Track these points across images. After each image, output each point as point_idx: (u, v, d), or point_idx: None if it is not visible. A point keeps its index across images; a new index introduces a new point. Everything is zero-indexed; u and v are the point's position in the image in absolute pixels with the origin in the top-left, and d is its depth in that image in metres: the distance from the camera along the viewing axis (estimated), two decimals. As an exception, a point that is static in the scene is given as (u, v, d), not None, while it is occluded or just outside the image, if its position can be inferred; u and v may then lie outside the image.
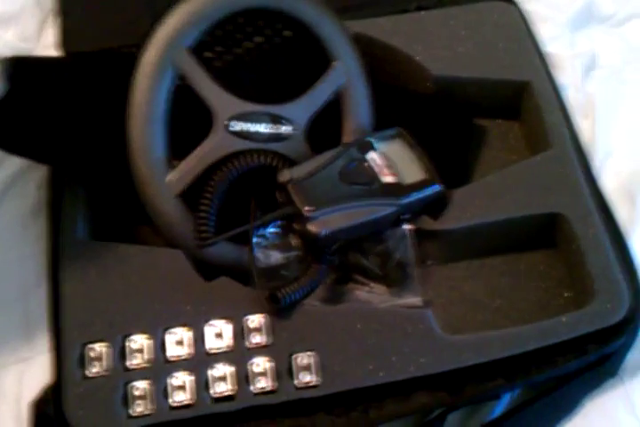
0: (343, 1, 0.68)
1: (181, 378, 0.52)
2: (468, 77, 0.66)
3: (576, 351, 0.55)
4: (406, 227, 0.59)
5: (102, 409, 0.51)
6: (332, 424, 0.52)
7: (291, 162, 0.57)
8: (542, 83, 0.66)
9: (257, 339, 0.53)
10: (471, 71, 0.66)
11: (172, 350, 0.53)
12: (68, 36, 0.69)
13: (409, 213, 0.58)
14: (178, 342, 0.53)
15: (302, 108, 0.58)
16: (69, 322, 0.53)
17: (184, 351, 0.53)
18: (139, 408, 0.51)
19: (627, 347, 0.58)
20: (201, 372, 0.52)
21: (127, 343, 0.53)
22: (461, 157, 0.66)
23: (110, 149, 0.57)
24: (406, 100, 0.67)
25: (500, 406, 0.57)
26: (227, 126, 0.56)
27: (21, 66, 0.57)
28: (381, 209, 0.56)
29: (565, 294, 0.61)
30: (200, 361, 0.53)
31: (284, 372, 0.52)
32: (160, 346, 0.53)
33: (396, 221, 0.58)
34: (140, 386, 0.52)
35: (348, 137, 0.60)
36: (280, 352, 0.53)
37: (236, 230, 0.54)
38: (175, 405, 0.52)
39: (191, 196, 0.56)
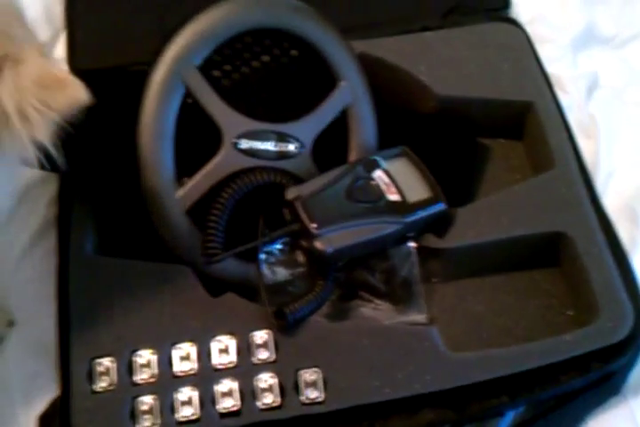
0: (349, 21, 0.69)
1: (188, 393, 0.52)
2: (471, 97, 0.66)
3: (579, 369, 0.55)
4: (411, 245, 0.59)
5: (109, 424, 0.52)
6: (337, 440, 0.52)
7: (297, 179, 0.58)
8: (546, 103, 0.66)
9: (263, 355, 0.53)
10: (475, 91, 0.67)
11: (179, 366, 0.53)
12: (76, 54, 0.70)
13: (414, 231, 0.59)
14: (184, 357, 0.53)
15: (309, 127, 0.59)
16: (77, 337, 0.54)
17: (190, 367, 0.53)
18: (146, 423, 0.52)
19: (630, 365, 0.58)
20: (207, 387, 0.53)
21: (134, 358, 0.53)
22: (465, 176, 0.67)
23: (120, 166, 0.58)
24: (410, 120, 0.67)
25: (503, 424, 0.57)
26: (235, 144, 0.57)
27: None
28: (387, 227, 0.57)
29: (569, 313, 0.61)
30: (206, 376, 0.53)
31: (289, 388, 0.53)
32: (167, 361, 0.53)
33: (401, 238, 0.59)
34: (147, 401, 0.52)
35: (353, 155, 0.61)
36: (286, 368, 0.53)
37: (244, 247, 0.55)
38: (181, 420, 0.52)
39: (199, 212, 0.56)
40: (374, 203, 0.57)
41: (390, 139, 0.63)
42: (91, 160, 0.61)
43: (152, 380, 0.53)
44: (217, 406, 0.52)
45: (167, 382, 0.53)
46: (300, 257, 0.58)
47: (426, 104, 0.67)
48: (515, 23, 0.73)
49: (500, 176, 0.68)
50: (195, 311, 0.55)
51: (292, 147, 0.59)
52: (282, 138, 0.58)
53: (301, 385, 0.52)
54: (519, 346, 0.55)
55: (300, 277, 0.59)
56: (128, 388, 0.53)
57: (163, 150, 0.56)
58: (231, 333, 0.54)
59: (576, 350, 0.55)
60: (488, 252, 0.61)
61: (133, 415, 0.52)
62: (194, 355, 0.53)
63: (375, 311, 0.59)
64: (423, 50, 0.68)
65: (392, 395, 0.52)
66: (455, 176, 0.66)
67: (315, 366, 0.53)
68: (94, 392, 0.53)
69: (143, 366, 0.53)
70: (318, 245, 0.54)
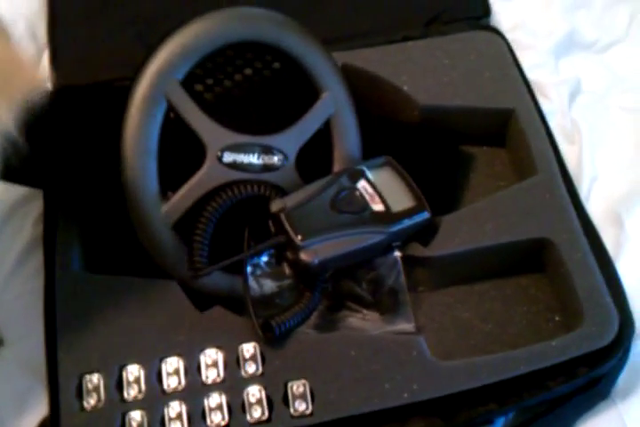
0: (331, 32, 0.70)
1: (177, 408, 0.52)
2: (454, 106, 0.67)
3: (567, 375, 0.56)
4: (397, 254, 0.60)
5: (100, 440, 0.52)
6: (327, 452, 0.52)
7: (282, 191, 0.58)
8: (527, 110, 0.67)
9: (252, 368, 0.54)
10: (457, 100, 0.67)
11: (168, 381, 0.53)
12: (59, 70, 0.70)
13: (399, 241, 0.59)
14: (173, 372, 0.53)
15: (292, 139, 0.60)
16: (66, 353, 0.54)
17: (180, 381, 0.53)
18: (136, 439, 0.52)
19: (618, 369, 0.58)
20: (197, 402, 0.53)
21: (124, 374, 0.53)
22: (449, 184, 0.68)
23: (104, 182, 0.58)
24: (394, 129, 0.68)
25: (493, 431, 0.58)
26: (219, 158, 0.57)
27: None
28: (372, 237, 0.57)
29: (555, 318, 0.61)
30: (196, 391, 0.53)
31: (278, 400, 0.53)
32: (155, 376, 0.54)
33: (386, 248, 0.59)
34: (137, 417, 0.52)
35: (337, 166, 0.61)
36: (275, 381, 0.53)
37: (230, 260, 0.55)
38: (172, 435, 0.52)
39: (185, 226, 0.57)
40: (359, 213, 0.57)
41: (374, 149, 0.63)
42: (75, 176, 0.61)
43: (141, 395, 0.53)
44: (207, 421, 0.52)
45: (156, 397, 0.53)
46: (287, 269, 0.58)
47: (408, 113, 0.68)
48: (495, 31, 0.73)
49: (484, 183, 0.68)
50: (182, 326, 0.55)
51: (275, 159, 0.59)
52: (266, 150, 0.59)
53: (290, 398, 0.53)
54: (506, 353, 0.55)
55: (287, 288, 0.59)
56: (117, 404, 0.53)
57: (146, 165, 0.56)
58: (219, 346, 0.54)
59: (562, 355, 0.55)
60: (473, 259, 0.61)
61: (123, 432, 0.52)
62: (182, 369, 0.53)
63: (363, 321, 0.59)
64: (405, 60, 0.69)
65: (380, 405, 0.53)
66: (439, 184, 0.67)
67: (303, 378, 0.53)
68: (83, 409, 0.53)
69: (132, 381, 0.53)
70: (303, 256, 0.54)
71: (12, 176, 0.54)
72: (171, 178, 0.57)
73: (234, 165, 0.58)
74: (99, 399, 0.53)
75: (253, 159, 0.58)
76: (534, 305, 0.62)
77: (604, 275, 0.60)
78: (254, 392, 0.53)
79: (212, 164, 0.57)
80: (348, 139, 0.62)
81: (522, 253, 0.62)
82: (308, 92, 0.61)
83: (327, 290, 0.59)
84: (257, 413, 0.52)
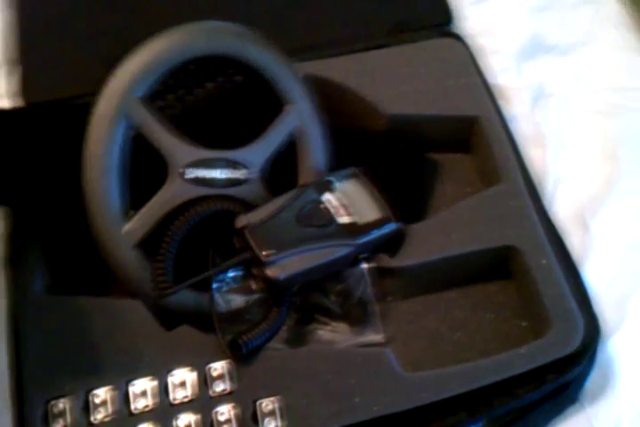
0: (294, 43, 0.69)
1: (147, 430, 0.52)
2: (418, 115, 0.67)
3: (535, 382, 0.56)
4: (365, 266, 0.60)
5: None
6: (298, 468, 0.52)
7: (249, 206, 0.58)
8: (491, 117, 0.67)
9: (220, 387, 0.53)
10: (421, 108, 0.67)
11: (137, 402, 0.53)
12: (29, 87, 0.69)
13: (366, 252, 0.59)
14: (141, 393, 0.53)
15: (257, 153, 0.59)
16: (31, 379, 0.53)
17: (148, 403, 0.53)
18: (104, 464, 0.51)
19: (585, 374, 0.59)
20: (166, 422, 0.52)
21: (91, 398, 0.53)
22: (416, 192, 0.68)
23: (67, 201, 0.58)
24: (359, 139, 0.68)
25: (464, 440, 0.58)
26: (182, 174, 0.57)
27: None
28: (339, 250, 0.57)
29: (523, 324, 0.62)
30: (165, 412, 0.53)
31: (248, 419, 0.53)
32: (124, 398, 0.53)
33: (354, 260, 0.59)
34: (106, 440, 0.52)
35: (303, 178, 0.61)
36: (244, 399, 0.53)
37: (195, 279, 0.54)
38: (141, 458, 0.52)
39: (149, 245, 0.56)
40: (325, 227, 0.57)
41: (340, 159, 0.63)
42: (39, 195, 0.60)
43: (108, 418, 0.52)
44: (177, 441, 0.52)
45: (125, 419, 0.52)
46: (254, 284, 0.58)
47: (374, 123, 0.68)
48: (458, 38, 0.73)
49: (451, 190, 0.69)
50: (150, 346, 0.55)
51: (241, 173, 0.59)
52: (230, 165, 0.58)
53: (260, 416, 0.52)
54: (475, 362, 0.56)
55: (255, 303, 0.59)
56: (86, 428, 0.52)
57: (108, 185, 0.56)
58: (187, 366, 0.54)
59: (531, 363, 0.56)
60: (441, 268, 0.61)
61: (91, 457, 0.52)
62: (150, 391, 0.53)
63: (332, 334, 0.59)
64: (369, 69, 0.69)
65: (351, 419, 0.53)
66: (406, 193, 0.67)
67: (272, 396, 0.53)
68: (50, 436, 0.52)
69: (100, 405, 0.52)
70: (269, 272, 0.54)
71: None
72: (134, 196, 0.57)
73: (198, 181, 0.57)
74: (65, 425, 0.52)
75: (218, 174, 0.58)
76: (502, 312, 0.63)
77: (570, 281, 0.60)
78: (223, 411, 0.53)
79: (176, 180, 0.57)
80: (314, 151, 0.62)
81: (488, 260, 0.62)
82: (273, 105, 0.61)
83: (295, 303, 0.59)
84: (227, 431, 0.52)
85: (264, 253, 0.54)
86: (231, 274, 0.58)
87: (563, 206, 0.69)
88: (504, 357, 0.56)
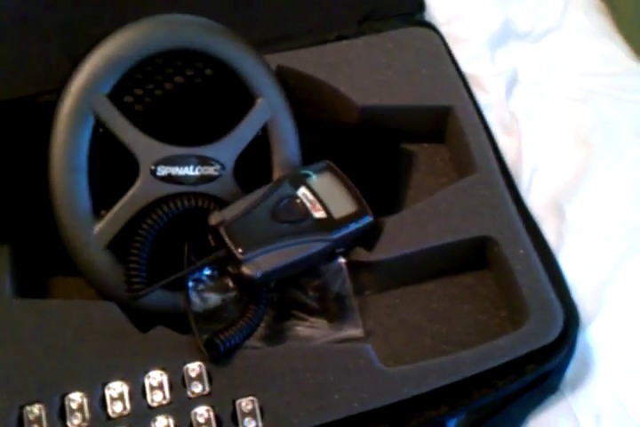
0: (262, 34, 0.68)
1: (123, 434, 0.51)
2: (391, 105, 0.66)
3: (515, 373, 0.56)
4: (341, 260, 0.59)
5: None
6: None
7: (221, 202, 0.57)
8: (465, 107, 0.67)
9: (198, 388, 0.52)
10: (395, 99, 0.67)
11: (114, 406, 0.52)
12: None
13: (343, 247, 0.59)
14: (117, 397, 0.52)
15: (229, 148, 0.58)
16: (3, 385, 0.52)
17: (125, 406, 0.52)
18: (83, 469, 0.50)
19: (565, 363, 0.59)
20: (143, 426, 0.51)
21: (66, 402, 0.51)
22: (391, 184, 0.67)
23: (33, 202, 0.56)
24: (333, 131, 0.67)
25: (446, 433, 0.58)
26: (152, 172, 0.56)
27: None
28: (314, 245, 0.56)
29: (502, 314, 0.62)
30: (140, 415, 0.52)
31: (227, 419, 0.52)
32: (100, 402, 0.52)
33: (330, 255, 0.59)
34: (83, 446, 0.51)
35: (277, 173, 0.60)
36: (222, 399, 0.52)
37: (169, 279, 0.53)
38: (120, 462, 0.51)
39: (120, 245, 0.55)
40: (300, 222, 0.56)
41: (313, 152, 0.62)
42: (4, 196, 0.58)
43: (85, 424, 0.51)
44: (155, 445, 0.51)
45: (102, 424, 0.51)
46: (230, 281, 0.57)
47: (347, 114, 0.67)
48: (430, 26, 0.73)
49: (426, 181, 0.68)
50: (124, 348, 0.53)
51: (212, 169, 0.58)
52: (202, 161, 0.57)
53: (239, 416, 0.52)
54: (453, 355, 0.55)
55: (231, 301, 0.58)
56: (61, 434, 0.51)
57: (76, 184, 0.54)
58: (163, 368, 0.53)
59: (510, 354, 0.56)
60: (418, 261, 0.61)
61: (68, 463, 0.51)
62: (126, 394, 0.52)
63: (311, 329, 0.59)
64: (340, 60, 0.68)
65: (331, 417, 0.52)
66: (381, 184, 0.66)
67: (251, 395, 0.52)
68: (25, 444, 0.51)
69: (75, 409, 0.51)
70: (245, 270, 0.53)
71: None
72: (103, 196, 0.55)
73: (169, 179, 0.56)
74: (42, 431, 0.51)
75: (189, 171, 0.57)
76: (480, 302, 0.62)
77: (547, 270, 0.60)
78: (202, 412, 0.52)
79: (146, 178, 0.56)
80: (286, 144, 0.61)
81: (465, 251, 0.62)
82: (243, 99, 0.60)
83: (272, 300, 0.58)
84: (206, 433, 0.52)
85: (240, 250, 0.53)
86: (207, 272, 0.58)
87: (538, 194, 0.69)
88: (483, 348, 0.56)
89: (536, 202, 0.68)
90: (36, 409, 0.51)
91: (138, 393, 0.52)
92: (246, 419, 0.52)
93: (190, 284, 0.56)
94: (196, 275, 0.57)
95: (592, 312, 0.62)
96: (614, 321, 0.62)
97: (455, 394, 0.55)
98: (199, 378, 0.52)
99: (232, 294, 0.58)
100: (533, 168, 0.71)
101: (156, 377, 0.53)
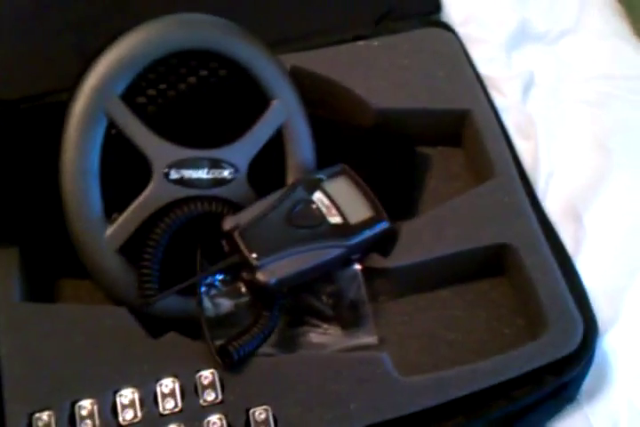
0: (277, 34, 0.67)
1: (135, 442, 0.50)
2: (408, 108, 0.65)
3: (533, 384, 0.55)
4: (357, 267, 0.58)
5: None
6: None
7: (235, 206, 0.56)
8: (483, 110, 0.66)
9: (211, 396, 0.51)
10: (411, 102, 0.65)
11: (123, 414, 0.51)
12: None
13: (359, 253, 0.58)
14: (128, 404, 0.51)
15: (243, 151, 0.57)
16: (12, 392, 0.51)
17: (136, 414, 0.51)
18: (91, 479, 0.49)
19: (584, 373, 0.58)
20: (155, 434, 0.51)
21: (76, 410, 0.51)
22: (407, 188, 0.66)
23: (43, 205, 0.55)
24: (348, 134, 0.66)
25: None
26: (165, 175, 0.55)
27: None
28: (330, 252, 0.55)
29: (519, 322, 0.61)
30: (153, 423, 0.51)
31: (241, 428, 0.51)
32: (110, 410, 0.51)
33: (346, 261, 0.57)
34: (93, 454, 0.50)
35: (291, 176, 0.59)
36: (235, 408, 0.51)
37: (181, 285, 0.52)
38: (130, 470, 0.50)
39: (133, 249, 0.54)
40: (316, 227, 0.55)
41: (328, 154, 0.61)
42: (14, 199, 0.57)
43: (96, 431, 0.50)
44: (166, 454, 0.50)
45: (112, 432, 0.51)
46: (244, 287, 0.56)
47: (362, 117, 0.66)
48: (447, 27, 0.72)
49: (442, 185, 0.67)
50: (135, 354, 0.52)
51: (226, 173, 0.56)
52: (215, 164, 0.56)
53: (253, 425, 0.51)
54: (471, 365, 0.54)
55: (244, 306, 0.57)
56: (72, 442, 0.50)
57: (88, 187, 0.53)
58: (175, 375, 0.52)
59: (528, 365, 0.54)
60: (434, 267, 0.60)
61: (77, 471, 0.50)
62: (138, 401, 0.51)
63: (324, 336, 0.58)
64: (356, 61, 0.67)
65: (346, 427, 0.51)
66: (397, 188, 0.65)
67: (264, 404, 0.51)
68: (33, 451, 0.50)
69: (85, 416, 0.50)
70: (260, 276, 0.52)
71: None
72: (116, 199, 0.54)
73: (182, 182, 0.55)
74: (49, 440, 0.50)
75: (202, 174, 0.56)
76: (497, 309, 0.61)
77: (566, 278, 0.59)
78: (215, 421, 0.51)
79: (159, 181, 0.55)
80: (301, 147, 0.60)
81: (482, 258, 0.61)
82: (257, 100, 0.58)
83: (286, 306, 0.57)
84: (219, 442, 0.51)
85: (254, 255, 0.52)
86: (219, 277, 0.56)
87: (554, 199, 0.68)
88: (501, 359, 0.55)
89: (552, 207, 0.67)
90: (45, 416, 0.50)
91: (149, 400, 0.51)
92: (260, 429, 0.51)
93: (203, 289, 0.55)
94: (209, 280, 0.56)
95: (609, 320, 0.61)
96: (631, 329, 0.61)
97: (472, 405, 0.54)
98: (212, 386, 0.52)
99: (244, 299, 0.57)
100: (550, 172, 0.70)
101: (167, 384, 0.52)
